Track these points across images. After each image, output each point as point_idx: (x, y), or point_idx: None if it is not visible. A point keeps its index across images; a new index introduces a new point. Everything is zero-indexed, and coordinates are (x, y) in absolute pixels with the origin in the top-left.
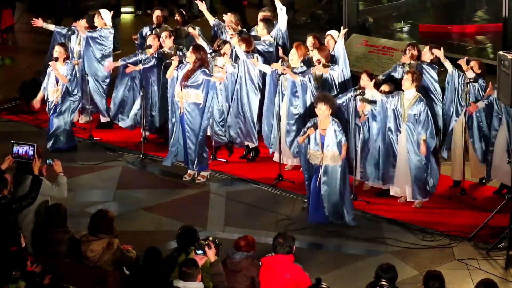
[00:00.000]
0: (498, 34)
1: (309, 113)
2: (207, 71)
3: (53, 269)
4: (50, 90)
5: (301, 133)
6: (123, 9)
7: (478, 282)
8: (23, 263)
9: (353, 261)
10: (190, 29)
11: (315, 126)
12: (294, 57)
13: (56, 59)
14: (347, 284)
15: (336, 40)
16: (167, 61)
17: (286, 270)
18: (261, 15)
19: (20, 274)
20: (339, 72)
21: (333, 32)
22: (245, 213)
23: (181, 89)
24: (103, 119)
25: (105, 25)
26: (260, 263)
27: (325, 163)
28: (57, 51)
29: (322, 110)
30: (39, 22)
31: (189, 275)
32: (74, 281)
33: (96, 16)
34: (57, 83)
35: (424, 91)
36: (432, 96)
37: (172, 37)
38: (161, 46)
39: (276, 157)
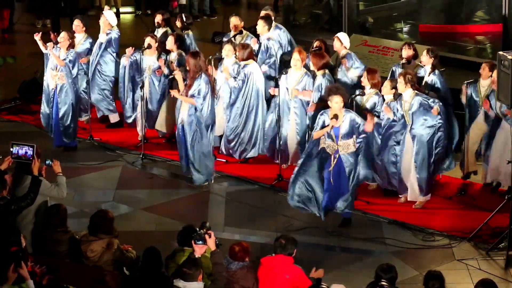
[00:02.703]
0: (498, 34)
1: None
2: (204, 81)
3: (53, 269)
4: (49, 75)
5: (316, 127)
6: (123, 9)
7: (477, 282)
8: (21, 262)
9: (353, 261)
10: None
11: (336, 117)
12: (297, 63)
13: (57, 42)
14: (347, 284)
15: (342, 42)
16: (170, 76)
17: (285, 270)
18: (262, 13)
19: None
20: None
21: (340, 35)
22: (245, 213)
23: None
24: (112, 119)
25: (111, 26)
26: (259, 263)
27: (341, 153)
28: (62, 36)
29: (338, 102)
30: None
31: (189, 275)
32: (74, 281)
33: (101, 17)
34: (56, 68)
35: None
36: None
37: (177, 43)
38: (163, 48)
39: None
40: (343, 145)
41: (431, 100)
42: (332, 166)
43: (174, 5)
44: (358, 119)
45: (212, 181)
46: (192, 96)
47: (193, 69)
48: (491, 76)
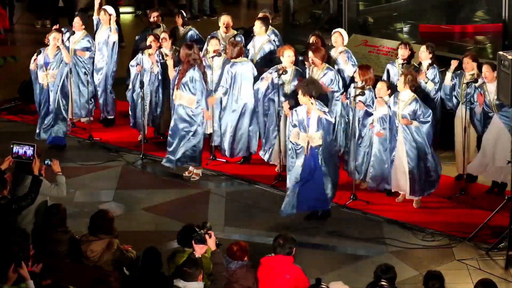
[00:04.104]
0: (498, 34)
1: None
2: (198, 73)
3: (53, 269)
4: (40, 75)
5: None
6: (122, 9)
7: (476, 282)
8: (21, 262)
9: (353, 261)
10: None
11: (291, 102)
12: (292, 59)
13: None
14: (347, 284)
15: (343, 37)
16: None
17: (285, 270)
18: (260, 15)
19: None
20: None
21: (341, 29)
22: (245, 213)
23: (177, 88)
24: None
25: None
26: (259, 263)
27: (315, 144)
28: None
29: (299, 97)
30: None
31: (190, 275)
32: (74, 281)
33: (103, 13)
34: (46, 68)
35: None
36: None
37: (171, 39)
38: (160, 47)
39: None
40: (310, 137)
41: (420, 114)
42: (305, 158)
43: (120, 2)
44: (322, 108)
45: (200, 175)
46: (186, 84)
47: (185, 59)
48: (477, 67)
